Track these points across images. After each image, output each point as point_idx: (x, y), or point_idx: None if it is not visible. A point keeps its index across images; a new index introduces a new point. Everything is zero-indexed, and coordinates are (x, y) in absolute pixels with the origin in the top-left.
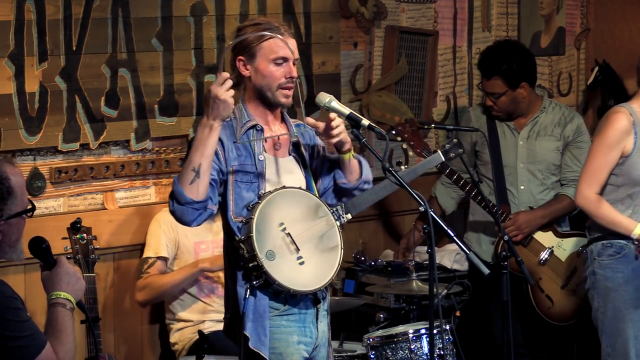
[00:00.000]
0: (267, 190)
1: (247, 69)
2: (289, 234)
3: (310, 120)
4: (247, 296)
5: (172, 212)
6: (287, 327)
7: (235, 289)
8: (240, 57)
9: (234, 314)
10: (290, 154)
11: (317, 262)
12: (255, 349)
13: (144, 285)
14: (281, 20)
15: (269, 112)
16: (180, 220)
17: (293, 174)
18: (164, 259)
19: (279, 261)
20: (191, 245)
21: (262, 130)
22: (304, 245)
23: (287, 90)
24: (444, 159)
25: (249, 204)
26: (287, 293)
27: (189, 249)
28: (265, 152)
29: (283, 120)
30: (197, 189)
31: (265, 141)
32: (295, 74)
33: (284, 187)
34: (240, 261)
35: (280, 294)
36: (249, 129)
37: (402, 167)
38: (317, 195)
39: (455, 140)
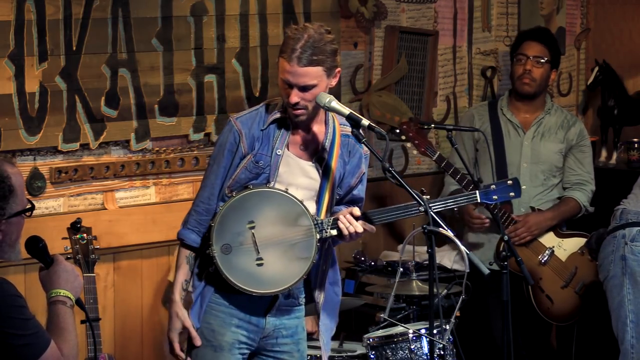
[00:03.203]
0: (268, 184)
1: (279, 78)
2: (253, 234)
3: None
4: (202, 281)
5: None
6: (229, 308)
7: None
8: (277, 61)
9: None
10: (313, 160)
11: (279, 268)
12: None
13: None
14: (317, 37)
15: None
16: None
17: (309, 178)
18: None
19: (233, 257)
20: None
21: (288, 127)
22: (268, 249)
23: (293, 111)
24: (479, 200)
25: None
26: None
27: None
28: (288, 149)
29: (326, 122)
30: None
31: (290, 136)
32: (292, 100)
33: (267, 186)
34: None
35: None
36: (276, 120)
37: (425, 196)
38: (322, 207)
39: (510, 182)
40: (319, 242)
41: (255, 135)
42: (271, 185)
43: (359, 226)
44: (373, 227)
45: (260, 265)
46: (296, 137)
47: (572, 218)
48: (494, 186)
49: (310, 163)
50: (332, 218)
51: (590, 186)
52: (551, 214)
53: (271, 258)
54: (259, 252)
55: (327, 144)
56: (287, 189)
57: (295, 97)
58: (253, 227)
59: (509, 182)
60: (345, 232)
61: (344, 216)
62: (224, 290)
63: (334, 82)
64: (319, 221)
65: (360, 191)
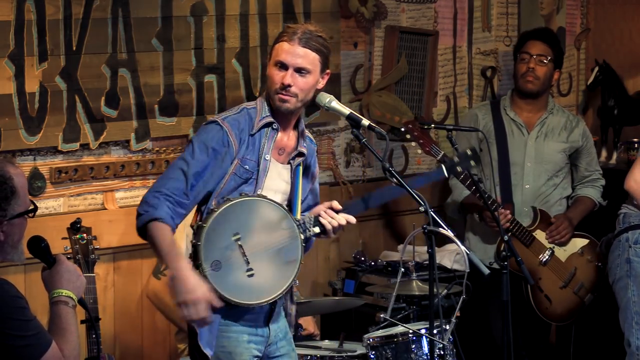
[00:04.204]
0: (243, 194)
1: (268, 68)
2: (240, 245)
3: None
4: None
5: (139, 209)
6: (237, 326)
7: None
8: (268, 56)
9: None
10: (288, 162)
11: (269, 276)
12: (202, 348)
13: (159, 292)
14: (317, 29)
15: (281, 112)
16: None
17: (284, 182)
18: None
19: (224, 272)
20: None
21: (277, 129)
22: (257, 258)
23: (283, 96)
24: (447, 175)
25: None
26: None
27: None
28: (270, 153)
29: (297, 126)
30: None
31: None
32: (287, 81)
33: (246, 195)
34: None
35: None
36: (266, 125)
37: (394, 180)
38: (298, 207)
39: (469, 152)
40: (303, 242)
41: (243, 138)
42: (259, 191)
43: (341, 219)
44: (353, 218)
45: (251, 276)
46: (276, 141)
47: (587, 214)
48: (456, 158)
49: (286, 166)
50: (312, 216)
51: (601, 181)
52: (573, 214)
53: (260, 267)
54: (248, 263)
55: (304, 146)
56: (265, 195)
57: (289, 78)
58: (239, 239)
59: (467, 151)
60: (329, 226)
61: (325, 212)
62: (227, 309)
63: (322, 82)
64: (301, 221)
65: (316, 194)
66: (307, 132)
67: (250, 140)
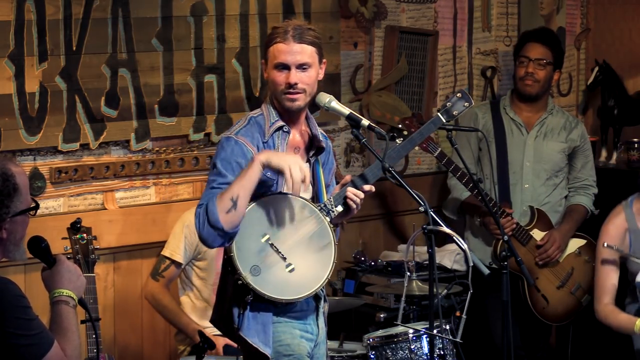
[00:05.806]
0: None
1: (266, 73)
2: (272, 245)
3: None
4: (243, 312)
5: (199, 231)
6: (289, 322)
7: (230, 307)
8: (262, 61)
9: (230, 327)
10: (307, 160)
11: (310, 265)
12: (261, 350)
13: (158, 294)
14: (304, 23)
15: (291, 112)
16: (204, 241)
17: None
18: (178, 265)
19: (265, 274)
20: (214, 250)
21: (288, 132)
22: (292, 252)
23: (291, 95)
24: (444, 120)
25: None
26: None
27: (211, 253)
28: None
29: (307, 122)
30: (231, 220)
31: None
32: (293, 80)
33: (262, 195)
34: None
35: (278, 304)
36: (277, 130)
37: (397, 140)
38: (324, 196)
39: (459, 94)
40: (331, 223)
41: (260, 147)
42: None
43: (360, 193)
44: (372, 187)
45: (292, 271)
46: (289, 141)
47: (582, 222)
48: (449, 103)
49: (304, 164)
50: (331, 197)
51: (593, 189)
52: (569, 225)
53: (298, 259)
54: (285, 259)
55: (320, 141)
56: (279, 191)
57: (294, 77)
58: (269, 239)
59: (458, 94)
60: (353, 205)
61: (348, 190)
62: (275, 308)
63: (321, 73)
64: (322, 205)
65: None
66: (319, 129)
67: (264, 147)
